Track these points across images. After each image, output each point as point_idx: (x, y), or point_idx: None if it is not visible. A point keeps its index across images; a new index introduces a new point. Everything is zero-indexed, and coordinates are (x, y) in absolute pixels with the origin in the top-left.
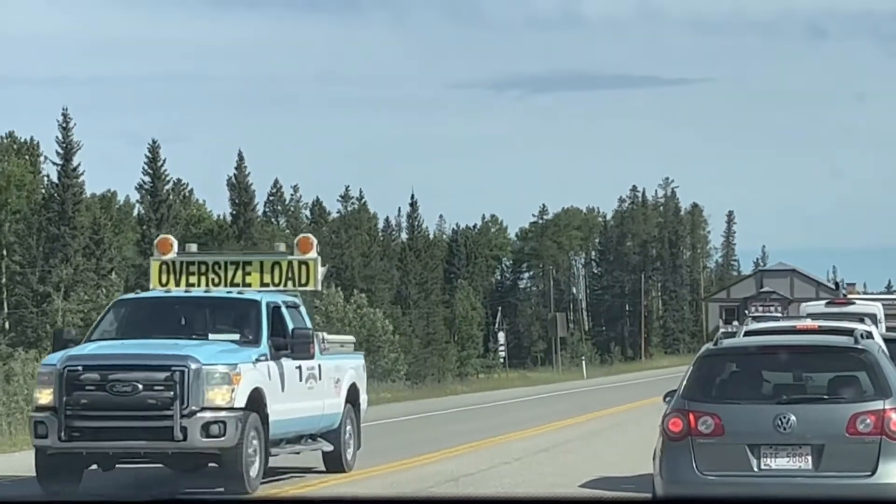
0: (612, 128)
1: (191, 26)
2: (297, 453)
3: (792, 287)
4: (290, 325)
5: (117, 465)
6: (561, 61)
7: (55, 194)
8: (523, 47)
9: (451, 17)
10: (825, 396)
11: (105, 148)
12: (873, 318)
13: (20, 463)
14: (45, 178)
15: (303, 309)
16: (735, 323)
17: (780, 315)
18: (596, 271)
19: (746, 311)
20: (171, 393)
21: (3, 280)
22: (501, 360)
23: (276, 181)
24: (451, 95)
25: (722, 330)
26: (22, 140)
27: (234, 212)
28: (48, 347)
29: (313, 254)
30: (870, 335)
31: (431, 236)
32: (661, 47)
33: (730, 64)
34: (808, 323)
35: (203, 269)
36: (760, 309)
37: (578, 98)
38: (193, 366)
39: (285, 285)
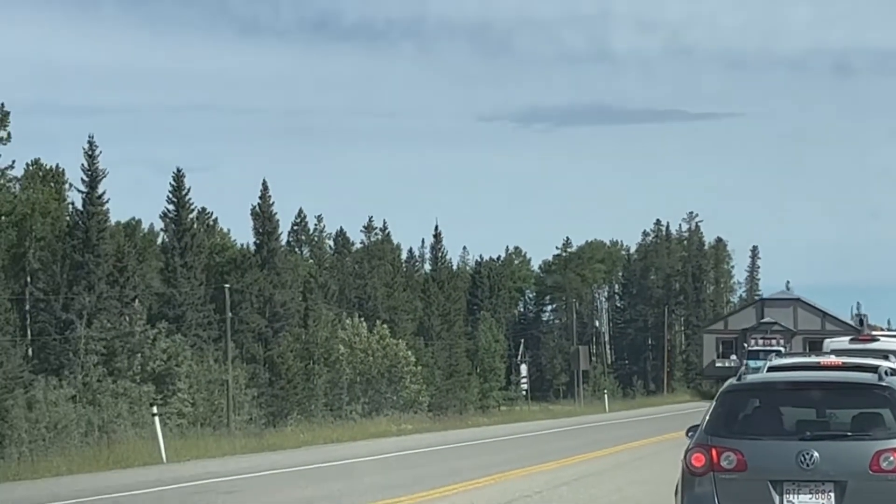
0: (637, 161)
1: (219, 57)
2: None
3: (795, 318)
4: None
5: None
6: (588, 95)
7: (80, 222)
8: (551, 80)
9: (480, 49)
10: (848, 433)
11: (130, 176)
12: None
13: (43, 491)
14: (70, 206)
15: None
16: (733, 357)
17: (781, 349)
18: (619, 304)
19: (745, 345)
20: None
21: (27, 307)
22: (523, 393)
23: (301, 211)
24: (477, 127)
25: (753, 364)
26: (48, 167)
27: (258, 241)
28: (69, 375)
29: None
30: (894, 372)
31: (455, 268)
32: (689, 82)
33: (758, 100)
34: (832, 359)
35: None
36: (761, 342)
37: (604, 132)
38: None
39: None
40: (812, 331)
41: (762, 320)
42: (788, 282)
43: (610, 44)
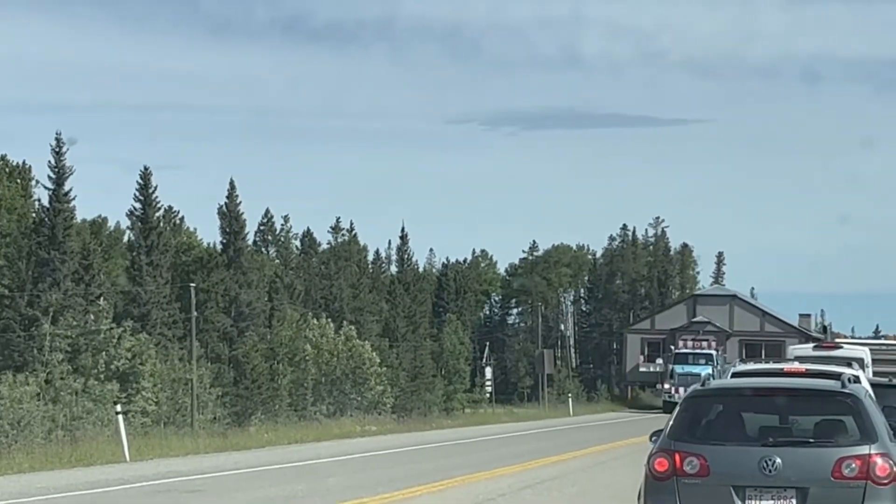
0: (605, 166)
1: (189, 55)
2: None
3: (731, 317)
4: None
5: None
6: (557, 99)
7: (46, 218)
8: (520, 84)
9: (451, 52)
10: (811, 440)
11: (97, 174)
12: (860, 363)
13: (5, 489)
14: (37, 203)
15: None
16: (659, 361)
17: (713, 353)
18: (584, 309)
19: (672, 347)
20: None
21: None
22: (488, 396)
23: (268, 210)
24: (447, 130)
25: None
26: (14, 163)
27: (224, 240)
28: (33, 372)
29: None
30: (857, 380)
31: (421, 270)
32: (659, 88)
33: (727, 106)
34: (796, 366)
35: None
36: (690, 344)
37: (572, 136)
38: None
39: None
40: (750, 332)
41: (694, 319)
42: (753, 288)
43: (581, 48)
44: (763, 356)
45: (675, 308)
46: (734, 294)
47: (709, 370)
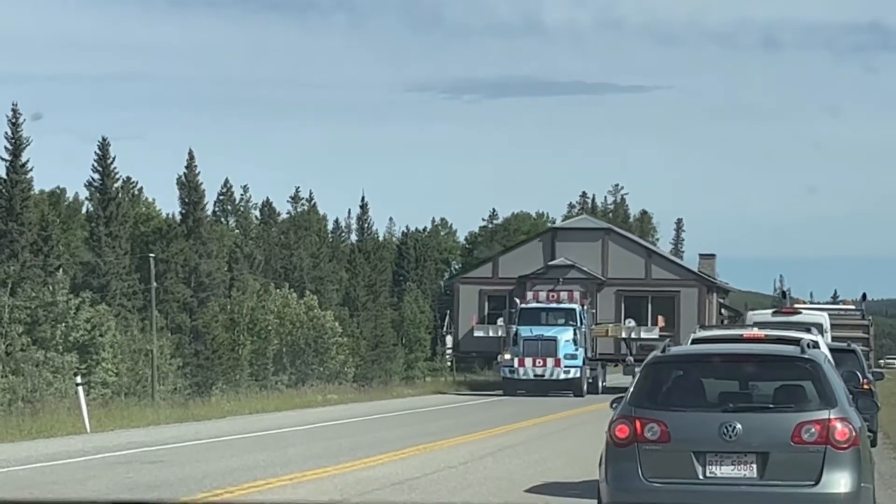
0: (566, 134)
1: (148, 25)
2: None
3: (605, 258)
4: None
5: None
6: (518, 67)
7: (3, 190)
8: (481, 52)
9: (411, 21)
10: (771, 405)
11: (55, 145)
12: (819, 328)
13: None
14: None
15: None
16: (501, 322)
17: (576, 307)
18: None
19: (517, 301)
20: None
21: None
22: (448, 364)
23: (227, 181)
24: (407, 99)
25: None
26: None
27: (184, 211)
28: None
29: None
30: (816, 345)
31: (381, 238)
32: (619, 55)
33: (687, 73)
34: (755, 332)
35: None
36: (543, 297)
37: (533, 103)
38: None
39: None
40: (632, 280)
41: (551, 262)
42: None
43: (541, 16)
44: (650, 313)
45: (527, 247)
46: (608, 227)
47: (569, 333)
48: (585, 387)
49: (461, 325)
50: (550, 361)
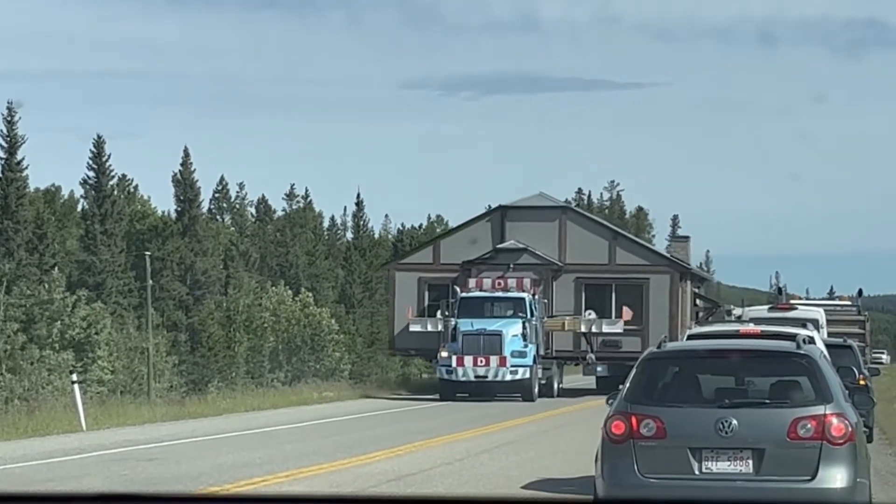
0: (562, 130)
1: (145, 22)
2: None
3: (563, 241)
4: None
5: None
6: (515, 64)
7: None
8: (478, 49)
9: (408, 18)
10: (767, 401)
11: (50, 142)
12: (815, 324)
13: None
14: None
15: None
16: (441, 314)
17: (526, 296)
18: None
19: (457, 289)
20: None
21: None
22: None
23: (222, 178)
24: (403, 96)
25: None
26: None
27: (179, 208)
28: None
29: None
30: (812, 340)
31: (377, 236)
32: (616, 52)
33: (682, 69)
34: (751, 328)
35: None
36: (488, 284)
37: (530, 100)
38: None
39: None
40: (593, 266)
41: (500, 245)
42: (708, 251)
43: (538, 12)
44: (614, 303)
45: (473, 228)
46: (566, 206)
47: (517, 326)
48: (536, 389)
49: (397, 319)
50: (494, 360)
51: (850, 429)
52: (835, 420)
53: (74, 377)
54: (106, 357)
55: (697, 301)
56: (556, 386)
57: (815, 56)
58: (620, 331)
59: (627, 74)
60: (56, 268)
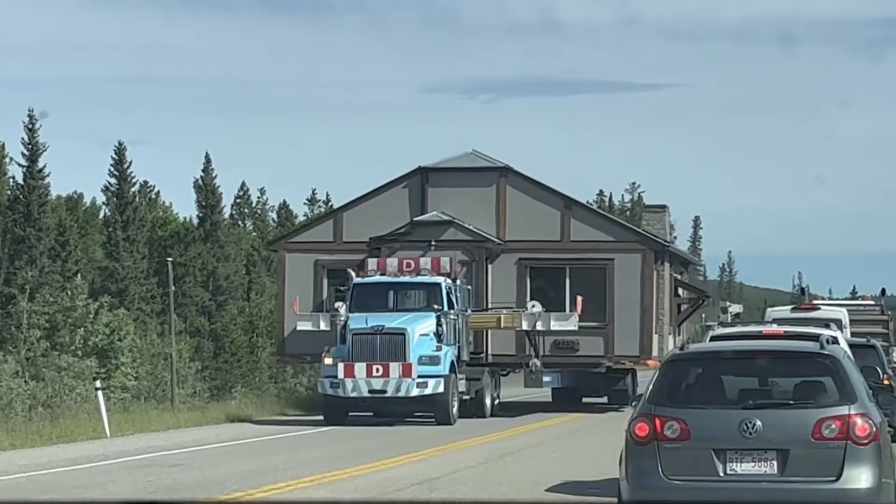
0: (582, 132)
1: (166, 28)
2: None
3: (501, 212)
4: None
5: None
6: (534, 66)
7: (20, 196)
8: (498, 52)
9: (428, 21)
10: (791, 401)
11: (72, 149)
12: (838, 324)
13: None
14: (11, 180)
15: None
16: (339, 306)
17: (438, 281)
18: None
19: (352, 272)
20: None
21: None
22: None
23: (244, 183)
24: (423, 99)
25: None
26: None
27: (201, 214)
28: (13, 349)
29: None
30: (835, 340)
31: None
32: (636, 53)
33: (703, 70)
34: (774, 328)
35: None
36: (393, 264)
37: (549, 103)
38: None
39: None
40: (541, 243)
41: (419, 217)
42: (730, 251)
43: (557, 14)
44: (568, 291)
45: (386, 196)
46: (505, 166)
47: (427, 322)
48: (456, 408)
49: (287, 316)
50: (395, 368)
51: (874, 429)
52: (859, 420)
53: (98, 384)
54: (129, 363)
55: (679, 290)
56: (488, 402)
57: (837, 56)
58: (574, 328)
59: (648, 76)
60: (79, 275)
